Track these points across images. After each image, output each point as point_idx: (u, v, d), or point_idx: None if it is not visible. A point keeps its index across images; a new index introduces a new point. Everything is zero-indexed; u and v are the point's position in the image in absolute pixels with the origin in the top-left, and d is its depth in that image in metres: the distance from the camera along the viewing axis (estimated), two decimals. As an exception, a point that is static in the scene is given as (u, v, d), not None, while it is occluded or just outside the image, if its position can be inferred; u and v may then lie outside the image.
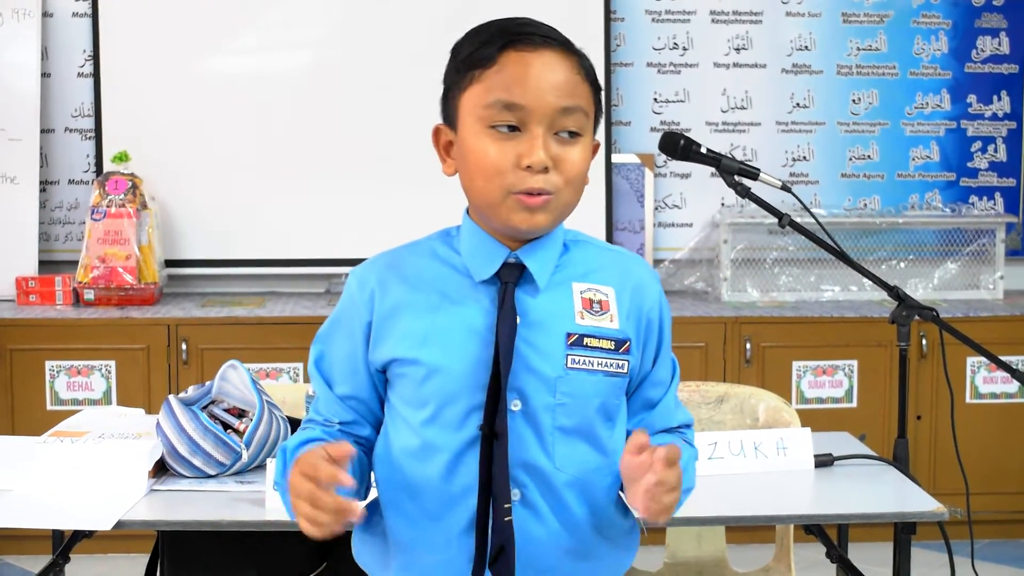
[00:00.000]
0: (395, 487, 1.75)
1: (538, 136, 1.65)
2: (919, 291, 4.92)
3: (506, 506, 1.68)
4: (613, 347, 1.74)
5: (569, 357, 1.71)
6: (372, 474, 1.82)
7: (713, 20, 5.03)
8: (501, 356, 1.67)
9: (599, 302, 1.75)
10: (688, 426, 1.90)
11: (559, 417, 1.71)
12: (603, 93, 1.77)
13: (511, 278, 1.72)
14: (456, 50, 1.74)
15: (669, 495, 1.61)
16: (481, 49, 1.68)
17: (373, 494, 1.83)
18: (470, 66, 1.69)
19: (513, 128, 1.66)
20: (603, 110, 1.78)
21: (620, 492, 1.81)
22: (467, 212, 1.78)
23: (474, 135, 1.68)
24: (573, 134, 1.68)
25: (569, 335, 1.72)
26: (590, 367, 1.72)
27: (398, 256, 1.79)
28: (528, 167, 1.65)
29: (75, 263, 4.62)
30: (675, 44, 5.03)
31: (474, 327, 1.70)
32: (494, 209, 1.69)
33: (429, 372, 1.70)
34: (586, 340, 1.72)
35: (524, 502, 1.71)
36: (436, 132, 1.78)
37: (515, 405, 1.69)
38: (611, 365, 1.74)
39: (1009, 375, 2.62)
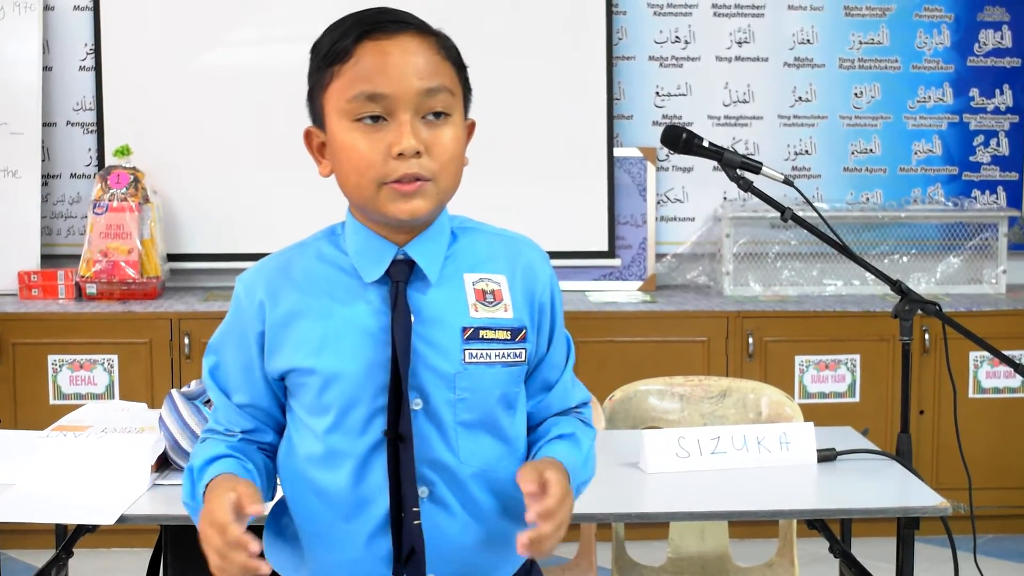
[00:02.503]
0: (303, 493, 1.75)
1: (405, 123, 1.64)
2: (921, 285, 4.92)
3: (414, 509, 1.68)
4: (509, 337, 1.73)
5: (466, 352, 1.70)
6: (278, 477, 1.82)
7: (715, 13, 5.03)
8: (399, 357, 1.66)
9: (492, 292, 1.74)
10: (585, 404, 1.90)
11: (460, 412, 1.70)
12: (468, 71, 1.76)
13: (401, 276, 1.70)
14: (315, 48, 1.73)
15: (551, 541, 1.61)
16: (338, 43, 1.68)
17: (280, 493, 1.82)
18: (329, 62, 1.68)
19: (380, 119, 1.65)
20: (471, 88, 1.77)
21: None
22: (349, 210, 1.77)
23: (342, 132, 1.67)
24: (441, 115, 1.67)
25: (464, 329, 1.70)
26: (488, 360, 1.71)
27: (286, 260, 1.77)
28: (400, 155, 1.63)
29: (77, 257, 4.62)
30: (677, 38, 5.02)
31: (368, 329, 1.69)
32: (371, 203, 1.67)
33: (327, 380, 1.69)
34: (482, 333, 1.71)
35: (433, 498, 1.71)
36: (307, 135, 1.76)
37: (416, 404, 1.68)
38: (509, 355, 1.73)
39: (1012, 369, 2.62)
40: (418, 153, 1.64)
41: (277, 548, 1.83)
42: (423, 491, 1.70)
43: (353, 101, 1.65)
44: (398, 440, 1.67)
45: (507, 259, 1.77)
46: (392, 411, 1.66)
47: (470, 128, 1.77)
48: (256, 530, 1.87)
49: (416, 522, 1.68)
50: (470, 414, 1.71)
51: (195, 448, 1.81)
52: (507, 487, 1.75)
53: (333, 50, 1.68)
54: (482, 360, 1.71)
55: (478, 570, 1.77)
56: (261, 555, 1.57)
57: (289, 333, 1.72)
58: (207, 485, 1.68)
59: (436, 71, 1.67)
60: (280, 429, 1.80)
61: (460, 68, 1.73)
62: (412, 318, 1.68)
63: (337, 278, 1.73)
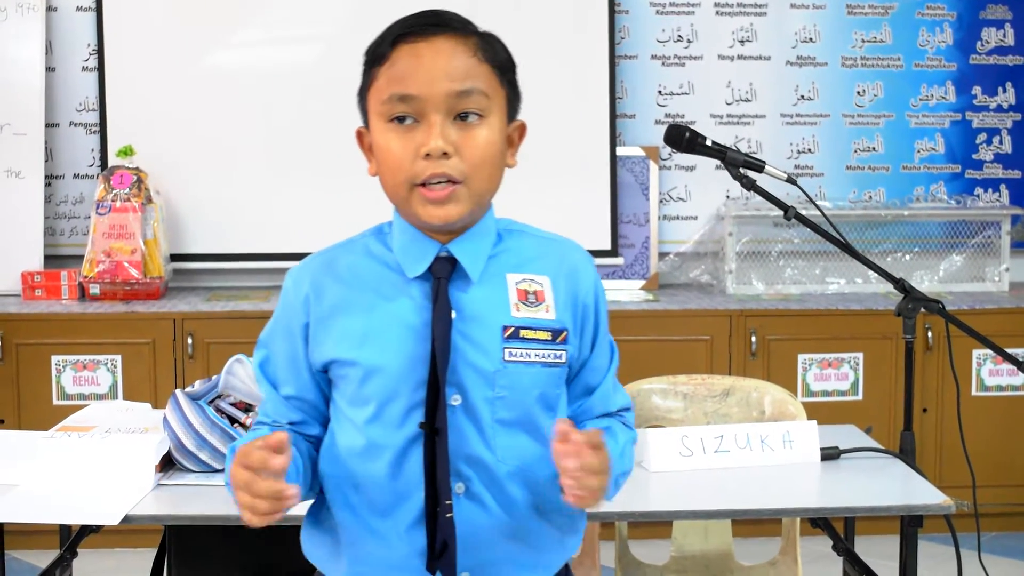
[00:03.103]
0: (342, 484, 1.77)
1: (434, 124, 1.66)
2: (924, 283, 4.92)
3: (447, 503, 1.70)
4: (550, 338, 1.74)
5: (506, 350, 1.72)
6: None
7: (717, 12, 5.03)
8: (437, 353, 1.68)
9: (534, 292, 1.75)
10: (628, 409, 1.91)
11: (498, 410, 1.72)
12: (516, 71, 1.77)
13: (443, 273, 1.72)
14: (366, 51, 1.75)
15: (592, 479, 1.61)
16: (378, 47, 1.71)
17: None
18: (371, 64, 1.72)
19: (413, 120, 1.67)
20: (517, 89, 1.79)
21: None
22: (396, 207, 1.79)
23: (379, 133, 1.70)
24: (474, 116, 1.68)
25: (505, 328, 1.72)
26: (527, 359, 1.73)
27: (332, 256, 1.80)
28: (427, 155, 1.65)
29: (80, 257, 4.63)
30: (679, 36, 5.03)
31: (410, 324, 1.71)
32: (405, 204, 1.71)
33: (367, 372, 1.71)
34: (522, 332, 1.73)
35: (469, 494, 1.72)
36: (359, 135, 1.79)
37: (455, 400, 1.70)
38: (549, 356, 1.74)
39: (1015, 367, 2.63)
40: (446, 154, 1.66)
41: (315, 541, 1.86)
42: (459, 487, 1.72)
43: (387, 102, 1.68)
44: (434, 433, 1.68)
45: (552, 261, 1.79)
46: (429, 405, 1.69)
47: (520, 130, 1.79)
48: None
49: (448, 515, 1.70)
50: (508, 412, 1.72)
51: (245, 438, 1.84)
52: (543, 487, 1.76)
53: (374, 53, 1.72)
54: (521, 359, 1.72)
55: (513, 570, 1.78)
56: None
57: (333, 325, 1.74)
58: None
59: (470, 73, 1.68)
60: (326, 423, 1.82)
61: (504, 70, 1.74)
62: (453, 315, 1.70)
63: (382, 274, 1.75)
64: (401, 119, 1.67)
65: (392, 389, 1.71)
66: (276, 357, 1.81)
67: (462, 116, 1.68)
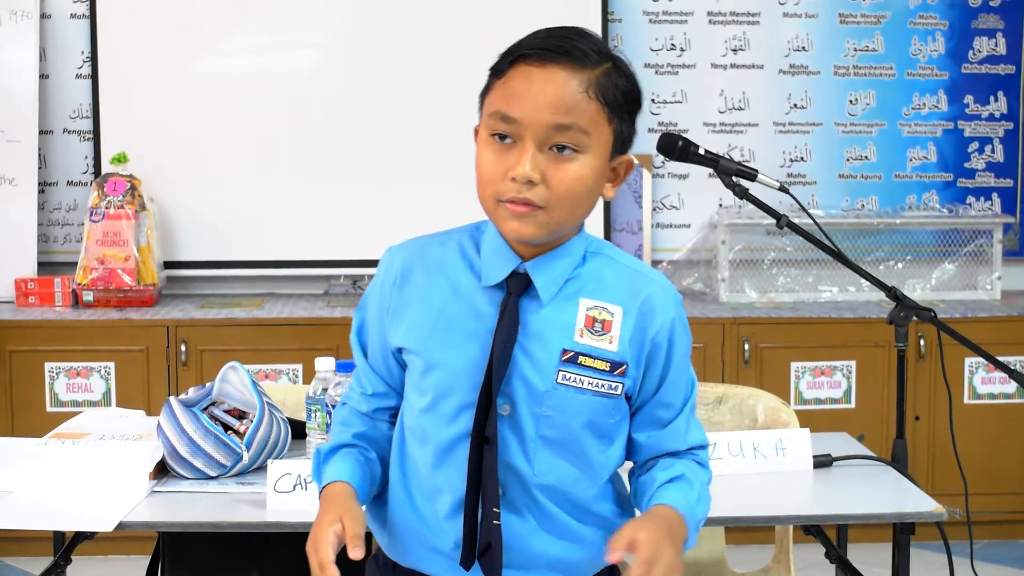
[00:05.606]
0: (400, 458, 1.84)
1: (527, 151, 1.67)
2: (917, 292, 4.92)
3: (495, 510, 1.73)
4: (608, 368, 1.76)
5: (560, 373, 1.74)
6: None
7: (710, 21, 5.04)
8: (495, 366, 1.71)
9: (602, 322, 1.76)
10: (702, 447, 1.90)
11: (543, 427, 1.75)
12: (636, 107, 1.80)
13: (517, 289, 1.75)
14: (499, 55, 1.78)
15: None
16: (503, 59, 1.73)
17: None
18: (492, 74, 1.74)
19: (512, 141, 1.69)
20: (632, 125, 1.80)
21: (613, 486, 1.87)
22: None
23: (481, 142, 1.74)
24: (570, 150, 1.69)
25: (564, 351, 1.74)
26: (579, 386, 1.75)
27: (427, 244, 1.84)
28: (513, 179, 1.67)
29: (74, 265, 4.62)
30: (672, 45, 5.04)
31: (475, 329, 1.75)
32: (491, 215, 1.74)
33: (428, 366, 1.77)
34: (580, 359, 1.75)
35: (505, 500, 1.76)
36: (476, 132, 1.81)
37: (504, 409, 1.74)
38: (602, 386, 1.76)
39: (1007, 375, 2.63)
40: (532, 182, 1.67)
41: (374, 512, 1.91)
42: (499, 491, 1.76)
43: (492, 117, 1.71)
44: (484, 442, 1.72)
45: (629, 292, 1.79)
46: (480, 413, 1.72)
47: (626, 165, 1.80)
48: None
49: (496, 522, 1.73)
50: (552, 432, 1.75)
51: (334, 414, 1.94)
52: (580, 502, 1.80)
53: (498, 64, 1.74)
54: (574, 384, 1.75)
55: (552, 570, 1.81)
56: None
57: (408, 313, 1.79)
58: (326, 487, 1.80)
59: (574, 109, 1.68)
60: None
61: (614, 107, 1.74)
62: (518, 329, 1.73)
63: (464, 273, 1.79)
64: (502, 136, 1.69)
65: (448, 386, 1.75)
66: (368, 327, 1.88)
67: (559, 148, 1.69)
